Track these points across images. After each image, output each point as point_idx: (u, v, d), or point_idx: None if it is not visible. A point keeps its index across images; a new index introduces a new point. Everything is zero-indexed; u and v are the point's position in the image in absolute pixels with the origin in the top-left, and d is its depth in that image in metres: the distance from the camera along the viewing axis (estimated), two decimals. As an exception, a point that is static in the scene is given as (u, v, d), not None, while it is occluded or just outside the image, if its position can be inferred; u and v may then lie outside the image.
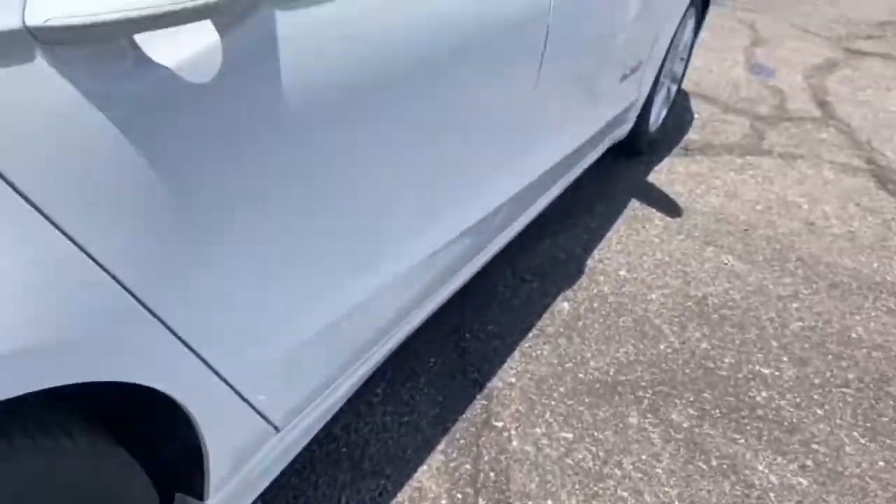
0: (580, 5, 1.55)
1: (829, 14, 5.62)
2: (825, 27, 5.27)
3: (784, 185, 2.94)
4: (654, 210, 2.61)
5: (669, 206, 2.65)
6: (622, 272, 2.24)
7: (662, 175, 2.88)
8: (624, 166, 2.87)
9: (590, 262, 2.26)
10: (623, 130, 2.61)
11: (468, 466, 1.54)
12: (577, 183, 2.30)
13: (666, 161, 2.99)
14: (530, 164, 1.71)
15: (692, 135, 3.25)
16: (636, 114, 2.64)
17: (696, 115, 3.45)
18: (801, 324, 2.14)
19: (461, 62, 1.18)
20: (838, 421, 1.78)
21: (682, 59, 3.08)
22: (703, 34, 3.77)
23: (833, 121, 3.66)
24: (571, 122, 1.89)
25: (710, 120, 3.43)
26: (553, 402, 1.71)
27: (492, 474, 1.52)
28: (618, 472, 1.56)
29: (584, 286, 2.15)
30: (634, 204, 2.64)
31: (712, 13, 5.05)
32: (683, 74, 3.23)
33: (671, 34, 2.57)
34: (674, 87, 3.13)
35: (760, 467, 1.62)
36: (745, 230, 2.58)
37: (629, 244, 2.39)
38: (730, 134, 3.32)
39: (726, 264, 2.37)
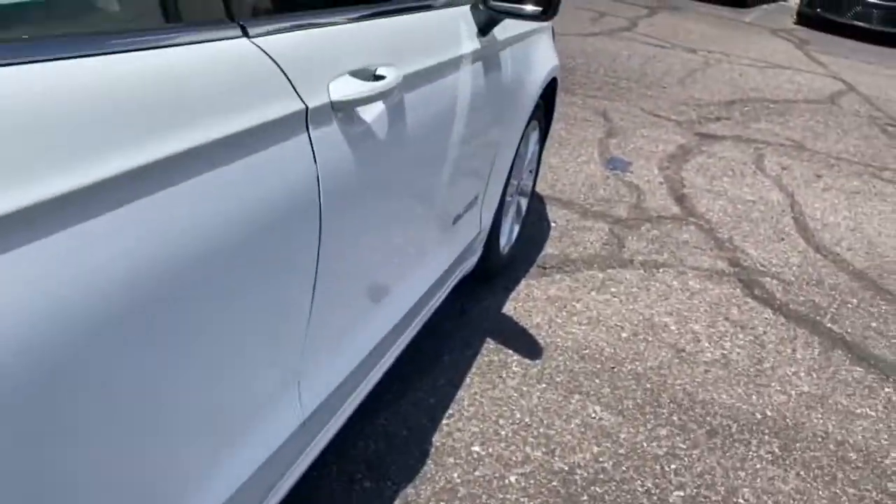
0: (367, 170, 1.21)
1: (678, 96, 5.69)
2: (676, 111, 5.30)
3: (648, 303, 2.72)
4: (511, 352, 2.29)
5: (528, 346, 2.35)
6: (475, 447, 1.89)
7: (520, 303, 2.58)
8: (478, 296, 2.56)
9: (437, 439, 1.90)
10: (470, 263, 2.30)
11: None
12: (425, 326, 1.94)
13: (523, 284, 2.71)
14: (339, 362, 1.33)
15: (549, 248, 3.00)
16: (482, 243, 2.35)
17: (552, 224, 3.22)
18: (681, 493, 1.84)
19: (185, 291, 0.81)
20: None
21: (530, 171, 2.84)
22: (554, 126, 3.59)
23: (693, 217, 3.53)
24: (388, 294, 1.54)
25: (568, 228, 3.20)
26: None
27: None
28: None
29: (430, 476, 1.77)
30: (490, 345, 2.31)
31: (565, 103, 4.96)
32: (534, 185, 3.00)
33: (511, 156, 2.30)
34: (525, 202, 2.88)
35: None
36: (612, 368, 2.30)
37: (484, 404, 2.05)
38: (588, 244, 3.10)
39: (594, 418, 2.06)
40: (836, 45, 9.30)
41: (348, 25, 1.21)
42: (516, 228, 2.83)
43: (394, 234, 1.46)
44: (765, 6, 11.91)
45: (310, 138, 1.02)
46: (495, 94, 1.92)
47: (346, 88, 1.10)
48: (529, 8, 1.67)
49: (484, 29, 1.77)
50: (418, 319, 1.77)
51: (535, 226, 3.18)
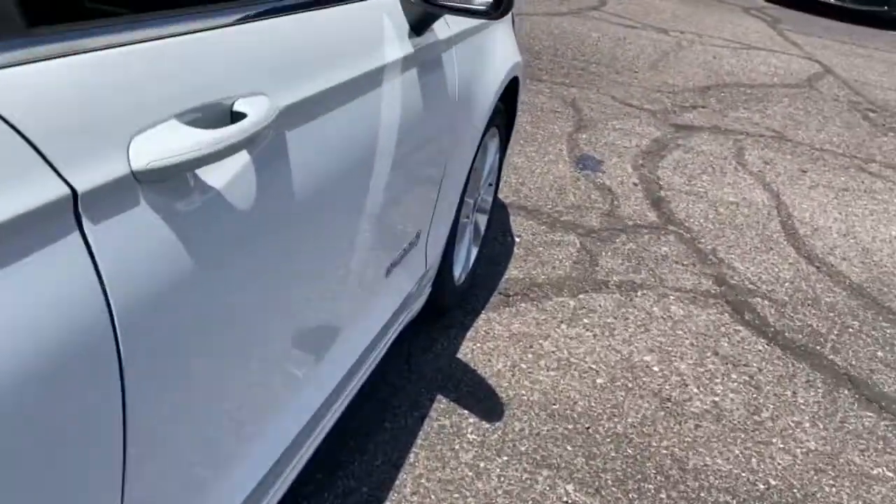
0: (213, 260, 0.80)
1: (651, 82, 5.31)
2: (649, 99, 4.92)
3: (627, 337, 2.34)
4: (466, 413, 1.91)
5: (488, 403, 1.96)
6: (418, 556, 1.50)
7: (478, 344, 2.20)
8: (429, 338, 2.17)
9: (369, 546, 1.50)
10: (416, 307, 1.91)
11: None
12: (364, 383, 1.54)
13: (483, 318, 2.32)
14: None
15: (514, 270, 2.61)
16: (430, 282, 1.95)
17: (517, 239, 2.83)
18: None
19: None
20: None
21: (490, 184, 2.44)
22: (520, 119, 3.15)
23: (672, 226, 3.16)
24: (273, 408, 1.13)
25: (534, 244, 2.82)
26: None
27: None
28: None
29: None
30: (441, 404, 1.92)
31: (531, 92, 4.56)
32: (495, 198, 2.60)
33: (464, 176, 1.90)
34: (484, 219, 2.48)
35: None
36: (587, 429, 1.92)
37: (431, 490, 1.66)
38: (558, 262, 2.71)
39: (566, 502, 1.68)
40: (808, 24, 8.99)
41: (181, 39, 0.78)
42: (474, 251, 2.43)
43: (276, 328, 1.05)
44: (735, -18, 11.56)
45: (84, 239, 0.61)
46: (438, 109, 1.51)
47: (164, 144, 0.68)
48: (476, 3, 1.25)
49: (418, 26, 1.36)
50: (338, 404, 1.37)
51: (497, 242, 2.79)
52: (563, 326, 2.35)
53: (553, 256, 2.76)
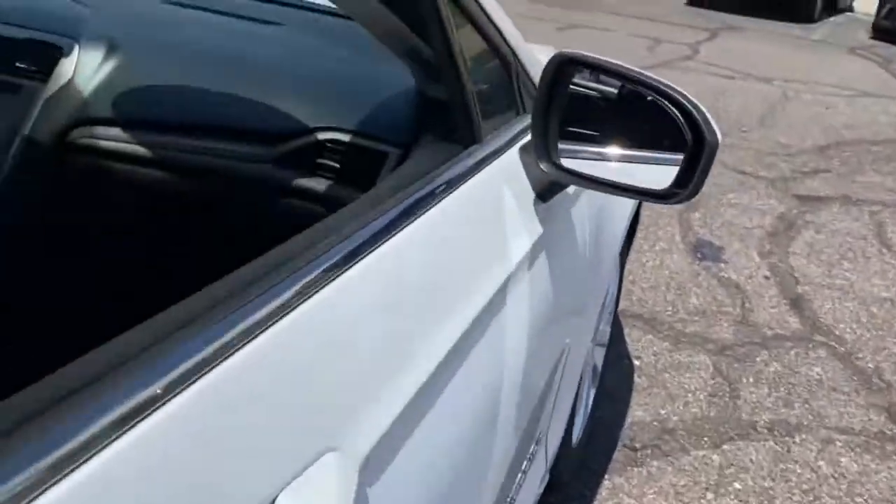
0: None
1: (762, 143, 4.78)
2: (763, 164, 4.40)
3: (794, 510, 1.85)
4: None
5: None
6: None
7: (604, 527, 1.74)
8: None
9: None
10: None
11: None
12: None
13: (607, 486, 1.87)
14: None
15: (638, 410, 2.16)
16: (549, 471, 1.52)
17: (636, 363, 2.37)
18: None
19: None
20: None
21: (609, 312, 2.01)
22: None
23: (819, 335, 2.64)
24: None
25: (658, 369, 2.35)
26: None
27: None
28: None
29: None
30: None
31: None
32: (614, 319, 2.16)
33: (589, 339, 1.48)
34: (602, 353, 2.05)
35: None
36: None
37: None
38: (691, 396, 2.24)
39: None
40: (923, 61, 8.25)
41: (147, 428, 0.38)
42: (592, 393, 2.00)
43: None
44: (832, 19, 10.86)
45: None
46: (567, 288, 1.10)
47: None
48: (644, 182, 0.85)
49: (546, 193, 0.96)
50: None
51: (614, 368, 2.34)
52: (710, 496, 1.87)
53: (683, 387, 2.29)
